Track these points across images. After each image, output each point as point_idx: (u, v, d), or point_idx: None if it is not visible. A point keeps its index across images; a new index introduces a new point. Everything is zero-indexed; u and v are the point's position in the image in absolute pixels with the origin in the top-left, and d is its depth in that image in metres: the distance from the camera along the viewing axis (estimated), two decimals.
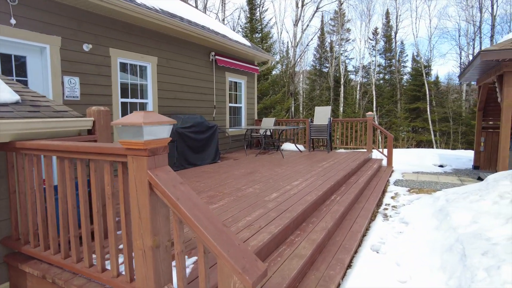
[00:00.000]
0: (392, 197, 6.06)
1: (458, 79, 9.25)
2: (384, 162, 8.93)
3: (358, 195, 5.33)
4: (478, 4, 26.34)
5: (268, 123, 9.87)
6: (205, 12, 27.58)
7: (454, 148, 25.35)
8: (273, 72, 31.09)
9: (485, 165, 9.17)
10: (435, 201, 4.98)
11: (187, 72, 7.62)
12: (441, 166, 9.93)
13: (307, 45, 30.01)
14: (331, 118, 9.11)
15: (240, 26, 26.61)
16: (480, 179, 7.67)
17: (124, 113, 6.14)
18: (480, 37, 26.81)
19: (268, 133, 9.64)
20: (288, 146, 9.62)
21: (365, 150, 9.15)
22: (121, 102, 6.06)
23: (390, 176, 7.77)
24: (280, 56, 30.94)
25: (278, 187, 4.61)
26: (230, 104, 9.45)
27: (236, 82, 9.80)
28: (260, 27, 24.63)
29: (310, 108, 33.04)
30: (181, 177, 5.57)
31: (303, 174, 5.59)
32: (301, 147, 9.63)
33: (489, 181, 4.76)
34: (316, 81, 40.05)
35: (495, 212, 3.57)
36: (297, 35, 29.09)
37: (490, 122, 9.22)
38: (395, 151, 12.08)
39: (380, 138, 9.25)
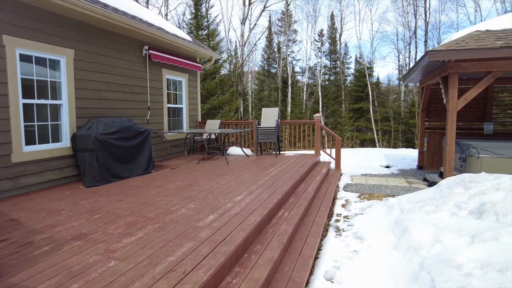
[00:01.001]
0: (343, 205, 5.65)
1: (402, 80, 9.25)
2: (333, 165, 8.64)
3: (308, 207, 4.80)
4: (413, 11, 28.00)
5: (212, 126, 9.10)
6: (147, 7, 25.88)
7: (395, 146, 26.66)
8: (222, 72, 30.30)
9: (428, 165, 9.31)
10: (389, 210, 4.61)
11: (115, 68, 6.57)
12: (387, 167, 9.95)
13: (255, 44, 29.65)
14: (279, 120, 8.61)
15: (185, 22, 25.37)
16: (426, 180, 7.66)
17: (27, 117, 4.98)
18: (416, 42, 28.55)
19: (213, 136, 8.87)
20: (235, 150, 8.93)
21: (314, 152, 8.78)
22: (24, 104, 4.89)
23: (339, 181, 7.44)
24: (228, 55, 30.20)
25: (218, 205, 3.89)
26: (169, 105, 8.51)
27: (175, 81, 8.88)
28: (206, 23, 23.67)
29: (259, 109, 32.76)
30: (100, 195, 4.69)
31: (248, 186, 4.93)
32: (248, 151, 9.00)
33: (442, 188, 4.50)
34: (264, 81, 40.02)
35: (456, 227, 3.20)
36: (245, 34, 28.57)
37: (434, 123, 9.39)
38: (343, 152, 11.99)
39: (327, 138, 8.95)
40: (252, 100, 34.99)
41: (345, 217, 5.01)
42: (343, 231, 4.42)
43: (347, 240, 4.08)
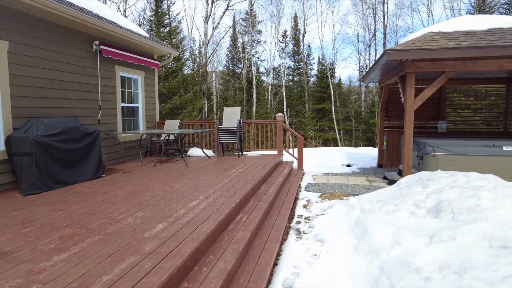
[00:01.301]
0: (304, 206, 5.54)
1: (362, 80, 9.39)
2: (295, 165, 8.57)
3: (268, 209, 4.62)
4: (373, 14, 29.02)
5: (171, 126, 8.69)
6: (105, 2, 24.60)
7: (356, 145, 27.44)
8: (185, 71, 29.57)
9: (388, 163, 9.53)
10: (350, 210, 4.55)
11: (60, 64, 6.01)
12: (348, 165, 10.07)
13: (218, 43, 29.25)
14: (242, 119, 8.39)
15: (145, 19, 24.42)
16: (385, 178, 7.79)
17: None
18: (375, 44, 29.62)
19: (172, 137, 8.46)
20: (195, 151, 8.59)
21: (277, 152, 8.66)
22: None
23: (301, 180, 7.36)
24: (190, 53, 29.56)
25: (169, 212, 3.58)
26: (123, 104, 8.00)
27: (131, 78, 8.37)
28: (167, 20, 22.94)
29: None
30: (39, 204, 4.17)
31: (206, 189, 4.65)
32: (210, 152, 8.70)
33: (401, 186, 4.50)
34: (229, 81, 39.70)
35: (415, 226, 3.15)
36: (208, 32, 28.08)
37: (393, 122, 9.62)
38: (305, 151, 12.03)
39: (291, 138, 8.87)
40: (217, 100, 34.53)
41: (306, 218, 4.89)
42: (304, 233, 4.29)
43: (307, 243, 3.93)
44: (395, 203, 3.94)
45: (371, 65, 32.53)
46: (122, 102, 7.98)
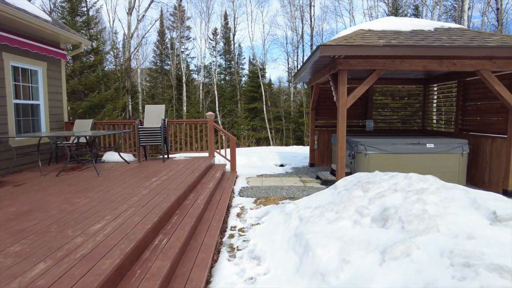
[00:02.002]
0: (238, 215, 4.98)
1: (293, 79, 9.17)
2: (228, 167, 7.99)
3: (196, 224, 3.95)
4: (300, 16, 29.86)
5: (82, 127, 7.42)
6: None
7: (287, 144, 27.97)
8: (107, 67, 26.98)
9: (319, 162, 9.50)
10: (287, 219, 4.10)
11: None
12: (281, 165, 9.84)
13: (143, 37, 27.29)
14: (166, 119, 7.51)
15: (56, 6, 21.56)
16: (319, 178, 7.64)
17: None
18: (303, 46, 30.53)
19: (84, 140, 7.20)
20: (112, 156, 7.46)
21: (208, 154, 7.98)
22: None
23: (234, 185, 6.81)
24: (111, 46, 27.12)
25: (61, 242, 2.70)
26: (17, 101, 6.54)
27: (27, 70, 6.91)
28: (84, 9, 20.56)
29: None
30: None
31: (118, 205, 3.79)
32: (129, 156, 7.64)
33: (340, 190, 4.20)
34: (158, 78, 37.61)
35: (363, 239, 2.78)
36: (132, 25, 25.99)
37: (323, 121, 9.62)
38: (239, 152, 11.55)
39: (224, 138, 8.25)
40: (143, 98, 32.32)
41: (241, 230, 4.33)
42: (238, 249, 3.71)
43: (242, 263, 3.36)
44: (336, 209, 3.59)
45: (299, 66, 33.55)
46: (17, 98, 6.53)
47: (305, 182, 7.31)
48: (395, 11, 25.52)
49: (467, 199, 2.77)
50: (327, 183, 7.06)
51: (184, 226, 3.54)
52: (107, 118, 17.66)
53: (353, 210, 3.40)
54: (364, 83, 5.97)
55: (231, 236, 4.13)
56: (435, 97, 9.27)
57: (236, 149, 13.40)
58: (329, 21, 58.79)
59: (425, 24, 6.72)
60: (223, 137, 8.02)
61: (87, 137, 7.03)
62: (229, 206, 5.35)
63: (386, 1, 26.80)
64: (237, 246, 3.81)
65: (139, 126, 7.14)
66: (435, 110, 9.56)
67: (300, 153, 11.41)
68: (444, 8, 26.26)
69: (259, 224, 4.46)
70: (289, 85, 36.30)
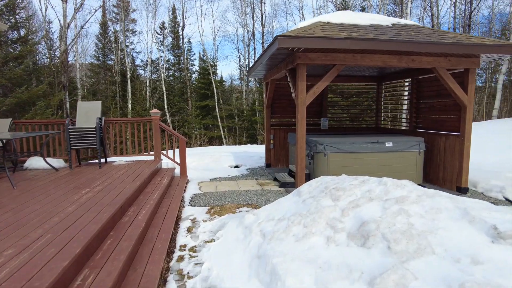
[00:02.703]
0: (189, 229, 4.30)
1: (247, 75, 8.61)
2: (178, 171, 7.21)
3: (136, 249, 3.21)
4: (251, 13, 29.44)
5: None
6: None
7: (240, 142, 27.47)
8: (39, 60, 24.25)
9: (275, 162, 9.06)
10: (247, 234, 3.53)
11: None
12: (236, 166, 9.25)
13: (82, 27, 24.95)
14: (103, 118, 6.53)
15: None
16: (276, 180, 7.18)
17: None
18: (254, 43, 30.17)
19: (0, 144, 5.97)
20: (37, 162, 6.30)
21: (153, 158, 7.12)
22: None
23: (185, 191, 6.07)
24: (43, 36, 24.46)
25: None
26: None
27: None
28: None
29: None
30: None
31: (28, 230, 2.92)
32: (59, 162, 6.52)
33: (305, 197, 3.71)
34: (100, 74, 34.94)
35: (342, 264, 2.29)
36: (69, 15, 23.60)
37: (279, 119, 9.20)
38: (190, 152, 10.75)
39: (174, 139, 7.43)
40: (83, 95, 29.74)
41: (192, 249, 3.66)
42: (189, 277, 3.05)
43: None
44: (304, 222, 3.08)
45: (250, 64, 33.15)
46: None
47: (263, 185, 6.79)
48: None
49: (456, 209, 2.41)
50: (285, 185, 6.61)
51: (119, 254, 2.79)
52: (38, 117, 15.67)
53: (324, 223, 2.91)
54: (323, 79, 5.59)
55: (181, 258, 3.45)
56: (388, 94, 9.31)
57: (187, 149, 12.55)
58: (279, 19, 59.10)
59: (382, 19, 6.53)
60: (174, 138, 7.20)
61: (3, 141, 5.82)
62: (178, 219, 4.63)
63: (334, 2, 27.41)
64: (188, 272, 3.14)
65: (70, 127, 6.08)
66: (388, 107, 9.60)
67: (256, 153, 10.91)
68: (387, 12, 27.55)
69: (214, 240, 3.83)
70: (241, 83, 35.82)
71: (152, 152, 7.05)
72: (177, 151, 7.12)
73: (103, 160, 6.54)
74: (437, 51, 5.41)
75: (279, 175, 7.11)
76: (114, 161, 6.83)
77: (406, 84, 8.33)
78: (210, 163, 9.10)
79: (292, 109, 9.08)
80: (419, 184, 6.90)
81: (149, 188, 5.21)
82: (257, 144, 26.46)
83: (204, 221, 4.59)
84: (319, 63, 5.54)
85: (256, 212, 4.01)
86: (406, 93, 8.39)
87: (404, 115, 8.79)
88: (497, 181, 6.63)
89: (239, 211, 4.95)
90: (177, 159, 7.12)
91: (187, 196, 5.79)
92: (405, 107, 8.69)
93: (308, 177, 6.55)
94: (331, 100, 9.64)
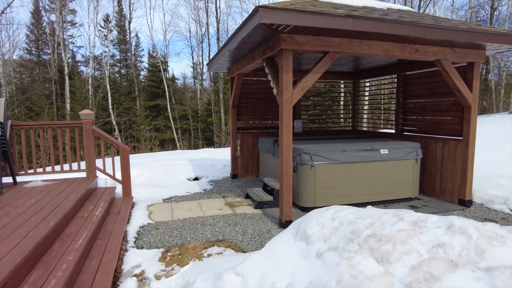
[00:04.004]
0: None
1: (208, 68, 7.12)
2: (120, 191, 5.50)
3: None
4: (205, 7, 27.69)
5: None
6: None
7: (196, 145, 25.63)
8: None
9: (243, 172, 7.67)
10: None
11: None
12: (196, 178, 7.70)
13: (2, 12, 21.41)
14: (10, 121, 4.65)
15: None
16: (249, 197, 5.80)
17: None
18: (208, 39, 28.44)
19: None
20: None
21: (85, 175, 5.33)
22: None
23: (128, 223, 4.43)
24: None
25: None
26: None
27: None
28: None
29: (24, 105, 24.45)
30: None
31: None
32: None
33: (320, 249, 2.39)
34: (34, 69, 30.89)
35: None
36: None
37: (247, 122, 7.82)
38: (138, 161, 8.95)
39: (112, 148, 5.67)
40: (11, 93, 25.81)
41: None
42: None
43: None
44: None
45: (204, 61, 31.30)
46: None
47: (233, 206, 5.36)
48: None
49: None
50: (262, 205, 5.25)
51: None
52: None
53: None
54: (313, 70, 4.31)
55: None
56: (367, 93, 8.37)
57: (135, 156, 10.62)
58: (234, 16, 57.10)
59: (375, 3, 5.43)
60: (111, 147, 5.47)
61: None
62: (116, 278, 3.04)
63: None
64: None
65: None
66: (365, 108, 8.70)
67: (218, 160, 9.39)
68: None
69: None
70: (194, 81, 33.85)
71: (84, 168, 5.27)
72: (118, 164, 5.40)
73: (7, 180, 4.65)
74: (448, 38, 4.38)
75: (252, 192, 5.71)
76: (28, 182, 4.93)
77: (387, 81, 7.40)
78: (163, 176, 7.43)
79: (262, 109, 7.76)
80: (415, 198, 5.97)
81: (72, 227, 3.52)
82: (214, 147, 24.84)
83: (158, 277, 3.05)
84: (309, 50, 4.26)
85: (240, 270, 2.57)
86: (387, 91, 7.47)
87: (384, 117, 7.93)
88: (495, 190, 5.86)
89: (208, 255, 3.48)
90: (119, 175, 5.41)
91: (132, 230, 4.16)
92: (385, 107, 7.81)
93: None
94: (303, 100, 8.46)
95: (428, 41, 4.63)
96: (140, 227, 4.30)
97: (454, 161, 5.52)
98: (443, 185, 5.78)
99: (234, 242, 3.83)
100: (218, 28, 26.80)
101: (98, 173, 5.46)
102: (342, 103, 8.71)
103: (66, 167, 5.27)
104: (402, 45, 4.67)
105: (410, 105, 6.69)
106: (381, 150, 5.40)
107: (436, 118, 6.04)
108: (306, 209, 5.11)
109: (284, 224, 4.30)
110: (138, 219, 4.56)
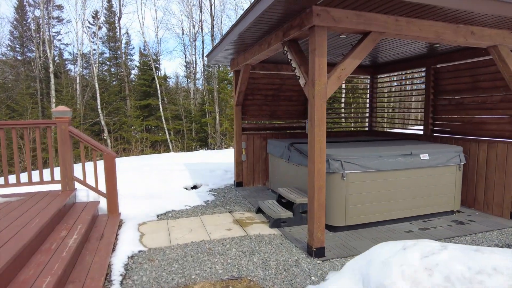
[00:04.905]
0: None
1: (207, 59, 6.13)
2: (104, 205, 4.48)
3: None
4: (198, 3, 26.63)
5: None
6: None
7: (189, 147, 24.55)
8: None
9: (249, 179, 6.71)
10: None
11: None
12: (194, 187, 6.71)
13: None
14: None
15: None
16: (260, 212, 4.84)
17: None
18: (202, 37, 27.40)
19: None
20: None
21: (60, 187, 4.30)
22: None
23: (113, 251, 3.42)
24: None
25: None
26: None
27: None
28: None
29: (5, 104, 23.11)
30: None
31: None
32: None
33: None
34: (18, 67, 29.45)
35: None
36: None
37: (252, 122, 6.87)
38: (126, 166, 7.90)
39: (94, 153, 4.62)
40: None
41: None
42: None
43: None
44: None
45: (198, 60, 30.22)
46: None
47: (244, 224, 4.39)
48: None
49: None
50: (279, 223, 4.29)
51: None
52: None
53: None
54: (352, 54, 3.37)
55: None
56: (385, 90, 7.48)
57: (124, 159, 9.52)
58: (228, 13, 55.71)
59: None
60: (92, 152, 4.43)
61: None
62: None
63: None
64: None
65: None
66: (385, 106, 7.80)
67: (217, 164, 8.40)
68: None
69: None
70: (187, 81, 32.73)
71: (59, 178, 4.23)
72: (102, 172, 4.37)
73: None
74: None
75: (265, 206, 4.74)
76: None
77: (411, 76, 6.51)
78: (156, 183, 6.42)
79: (270, 107, 6.81)
80: (457, 211, 5.09)
81: (30, 270, 2.51)
82: (209, 148, 23.79)
83: None
84: (347, 29, 3.32)
85: None
86: (412, 87, 6.59)
87: (406, 116, 7.07)
88: None
89: None
90: (103, 187, 4.38)
91: (119, 263, 3.15)
92: (409, 105, 6.94)
93: None
94: None
95: (489, 21, 3.73)
96: (129, 257, 3.30)
97: (505, 168, 4.65)
98: (489, 195, 4.91)
99: (255, 281, 2.86)
100: (212, 25, 25.76)
101: (78, 185, 4.43)
102: (358, 100, 7.83)
103: (36, 176, 4.23)
104: (456, 27, 3.77)
105: (442, 102, 5.81)
106: (421, 155, 4.49)
107: (478, 117, 5.17)
108: (335, 229, 4.18)
109: (315, 252, 3.35)
110: (127, 245, 3.55)
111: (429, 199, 4.64)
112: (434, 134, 5.95)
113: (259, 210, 4.89)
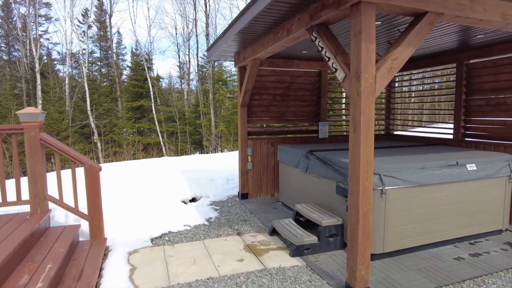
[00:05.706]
0: None
1: (207, 53, 5.34)
2: (86, 229, 3.65)
3: None
4: (193, 1, 25.80)
5: None
6: None
7: (183, 150, 23.64)
8: None
9: (255, 190, 5.92)
10: None
11: None
12: (193, 200, 5.90)
13: None
14: None
15: None
16: (275, 233, 4.06)
17: None
18: (196, 36, 26.55)
19: None
20: None
21: (29, 208, 3.46)
22: None
23: None
24: None
25: None
26: None
27: None
28: None
29: None
30: None
31: None
32: None
33: None
34: (4, 68, 28.27)
35: None
36: None
37: (259, 125, 6.09)
38: (116, 173, 7.05)
39: (73, 166, 3.77)
40: None
41: None
42: None
43: None
44: None
45: (192, 60, 29.27)
46: None
47: (257, 251, 3.59)
48: None
49: None
50: (302, 251, 3.51)
51: None
52: None
53: None
54: (405, 41, 2.62)
55: None
56: (405, 89, 6.77)
57: (114, 164, 8.61)
58: (222, 12, 54.45)
59: None
60: (70, 164, 3.59)
61: None
62: None
63: None
64: None
65: None
66: (409, 107, 7.11)
67: (217, 172, 7.58)
68: None
69: None
70: (181, 81, 31.82)
71: (27, 198, 3.38)
72: (84, 189, 3.54)
73: None
74: None
75: (282, 226, 3.95)
76: None
77: (443, 73, 5.80)
78: (150, 197, 5.58)
79: (279, 108, 6.05)
80: (506, 230, 4.39)
81: None
82: (202, 151, 22.94)
83: None
84: (399, 6, 2.57)
85: None
86: (438, 86, 5.87)
87: (431, 118, 6.37)
88: None
89: None
90: (84, 208, 3.55)
91: None
92: (433, 105, 6.23)
93: (342, 233, 3.57)
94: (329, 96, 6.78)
95: None
96: None
97: None
98: None
99: None
100: (207, 24, 24.91)
101: (52, 205, 3.59)
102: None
103: None
104: None
105: (477, 102, 5.10)
106: (468, 166, 3.76)
107: None
108: (371, 257, 3.41)
109: None
110: (114, 281, 2.73)
111: (475, 217, 3.91)
112: (466, 139, 5.24)
113: (273, 231, 4.11)
